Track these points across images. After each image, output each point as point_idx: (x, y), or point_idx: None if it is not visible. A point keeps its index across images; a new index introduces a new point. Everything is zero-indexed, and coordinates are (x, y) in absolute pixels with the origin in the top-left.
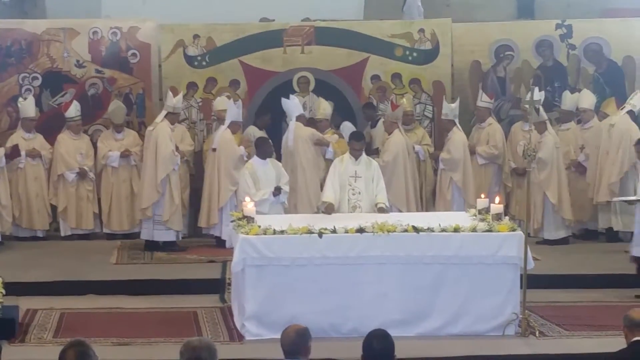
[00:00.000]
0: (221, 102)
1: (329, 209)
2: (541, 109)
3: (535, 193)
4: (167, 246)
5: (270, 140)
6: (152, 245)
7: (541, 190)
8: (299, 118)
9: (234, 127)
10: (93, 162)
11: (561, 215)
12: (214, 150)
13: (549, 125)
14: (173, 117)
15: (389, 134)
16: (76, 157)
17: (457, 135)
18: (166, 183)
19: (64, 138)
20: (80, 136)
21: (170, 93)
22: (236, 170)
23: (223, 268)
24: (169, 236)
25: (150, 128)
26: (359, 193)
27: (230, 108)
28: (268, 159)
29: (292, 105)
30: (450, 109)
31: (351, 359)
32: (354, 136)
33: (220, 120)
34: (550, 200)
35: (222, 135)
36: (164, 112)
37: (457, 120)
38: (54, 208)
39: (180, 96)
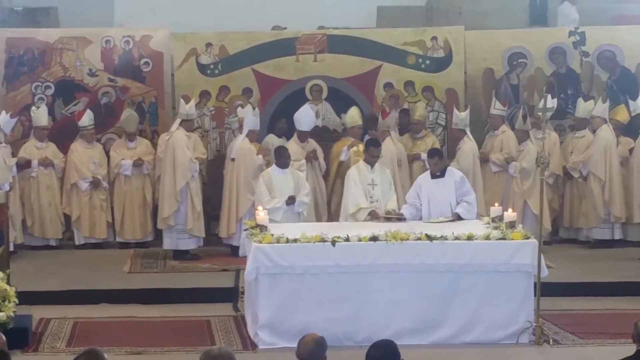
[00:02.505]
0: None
1: (374, 215)
2: (528, 118)
3: (516, 202)
4: (180, 255)
5: (288, 151)
6: (180, 254)
7: (522, 199)
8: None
9: (252, 135)
10: (106, 171)
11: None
12: (233, 160)
13: (531, 134)
14: (188, 125)
15: (382, 141)
16: (89, 166)
17: (467, 145)
18: (186, 191)
19: (77, 147)
20: (93, 145)
21: (182, 101)
22: (255, 179)
23: (236, 277)
24: (193, 244)
25: (166, 137)
26: (377, 201)
27: (248, 116)
28: (288, 169)
29: (303, 117)
30: (460, 118)
31: None
32: (373, 142)
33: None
34: (532, 210)
35: (241, 144)
36: (178, 120)
37: (468, 130)
38: (67, 217)
39: (192, 103)
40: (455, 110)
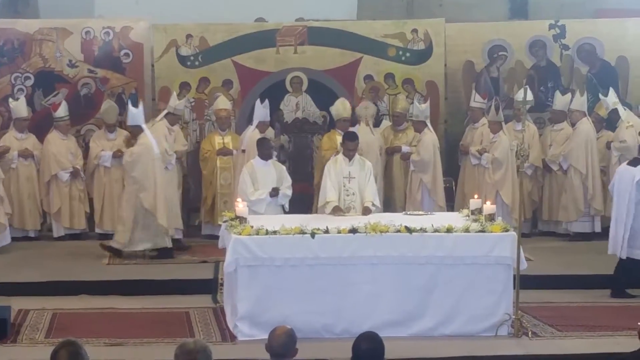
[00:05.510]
0: (222, 101)
1: (336, 210)
2: (500, 109)
3: (488, 193)
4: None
5: (271, 142)
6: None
7: (494, 190)
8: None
9: (262, 127)
10: (82, 162)
11: (513, 216)
12: (244, 151)
13: (504, 125)
14: (173, 119)
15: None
16: (68, 157)
17: (427, 137)
18: None
19: (55, 138)
20: (69, 137)
21: (174, 93)
22: None
23: (215, 268)
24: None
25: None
26: (353, 194)
27: (258, 108)
28: (270, 161)
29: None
30: (421, 110)
31: None
32: (348, 136)
33: (219, 119)
34: (505, 201)
35: (251, 135)
36: (164, 112)
37: (428, 121)
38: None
39: (184, 100)
40: (416, 102)
